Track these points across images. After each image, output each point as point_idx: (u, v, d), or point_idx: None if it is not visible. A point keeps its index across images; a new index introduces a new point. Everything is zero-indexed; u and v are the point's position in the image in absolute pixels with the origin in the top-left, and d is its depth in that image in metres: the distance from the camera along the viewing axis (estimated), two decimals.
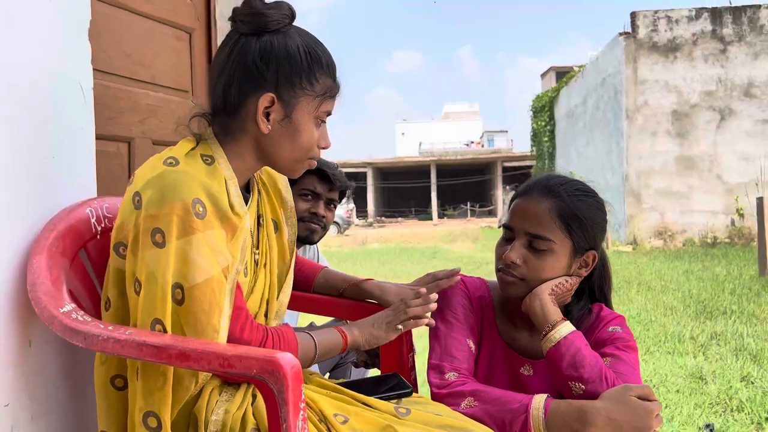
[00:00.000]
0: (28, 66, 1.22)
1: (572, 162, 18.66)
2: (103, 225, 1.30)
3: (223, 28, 2.36)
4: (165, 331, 1.06)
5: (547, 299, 1.39)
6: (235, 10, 1.22)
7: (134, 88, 1.97)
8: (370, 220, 35.73)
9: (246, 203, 1.28)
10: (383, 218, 37.89)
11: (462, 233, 20.83)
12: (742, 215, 12.94)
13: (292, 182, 2.05)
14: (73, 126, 1.34)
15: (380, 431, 1.13)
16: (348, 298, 1.63)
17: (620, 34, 13.87)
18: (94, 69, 1.79)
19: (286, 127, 1.21)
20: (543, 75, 33.09)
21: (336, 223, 24.10)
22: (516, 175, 33.21)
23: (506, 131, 51.69)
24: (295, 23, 1.25)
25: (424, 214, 39.21)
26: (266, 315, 1.35)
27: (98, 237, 1.30)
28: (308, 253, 2.34)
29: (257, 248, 1.32)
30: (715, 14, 13.51)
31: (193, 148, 1.20)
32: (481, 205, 36.88)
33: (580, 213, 1.43)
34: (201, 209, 1.09)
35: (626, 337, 1.44)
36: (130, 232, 1.10)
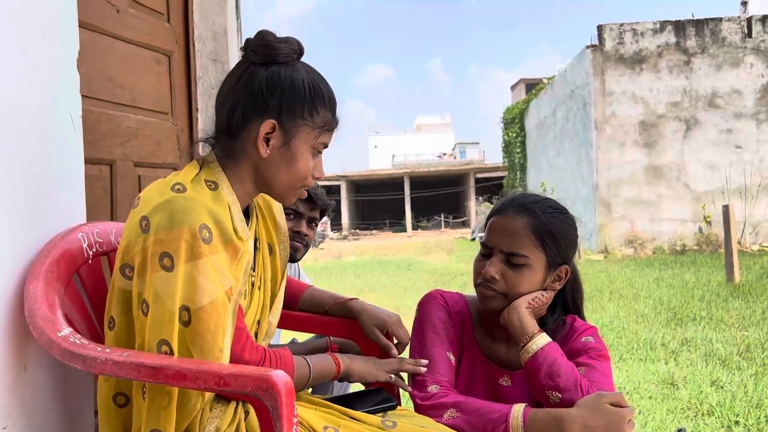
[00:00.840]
0: (20, 97, 1.25)
1: (543, 172, 18.90)
2: (94, 250, 1.33)
3: (201, 51, 2.40)
4: (171, 352, 1.09)
5: (524, 312, 1.45)
6: (247, 40, 1.28)
7: (115, 111, 2.00)
8: (344, 233, 35.70)
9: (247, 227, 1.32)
10: (358, 231, 37.88)
11: (436, 245, 20.97)
12: (709, 222, 13.26)
13: None
14: (63, 153, 1.37)
15: None
16: (332, 316, 1.68)
17: (587, 46, 14.16)
18: None
19: (284, 154, 1.27)
20: (513, 87, 33.50)
21: None
22: (488, 186, 33.51)
23: (478, 143, 52.19)
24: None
25: (398, 226, 39.32)
26: (257, 334, 1.39)
27: (90, 261, 1.33)
28: (289, 270, 2.38)
29: (254, 271, 1.37)
30: (679, 27, 13.87)
31: (197, 174, 1.25)
32: (454, 216, 37.10)
33: (553, 229, 1.51)
34: (207, 234, 1.13)
35: (599, 346, 1.51)
36: (138, 254, 1.13)
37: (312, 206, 2.17)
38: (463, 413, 1.35)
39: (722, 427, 3.22)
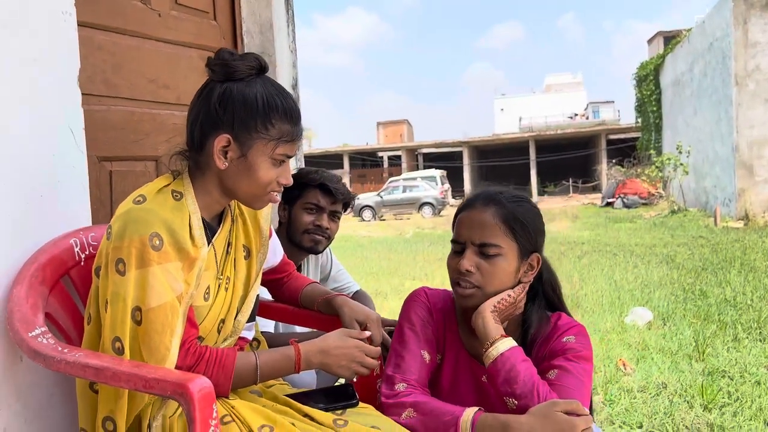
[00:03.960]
0: (21, 119, 1.41)
1: (679, 133, 17.68)
2: (87, 252, 1.48)
3: (249, 45, 2.51)
4: (122, 348, 1.21)
5: (488, 316, 1.43)
6: (208, 59, 1.38)
7: (159, 110, 2.16)
8: None
9: (214, 234, 1.43)
10: None
11: (561, 211, 20.27)
12: None
13: (297, 196, 2.19)
14: (63, 165, 1.52)
15: None
16: (321, 312, 1.74)
17: None
18: (117, 97, 1.99)
19: (241, 165, 1.35)
20: (650, 41, 31.35)
21: (431, 204, 24.12)
22: (622, 148, 31.71)
23: (612, 101, 49.44)
24: (267, 74, 1.39)
25: (523, 192, 38.27)
26: (219, 332, 1.47)
27: (82, 263, 1.48)
28: (321, 258, 2.46)
29: (221, 274, 1.45)
30: None
31: (167, 185, 1.36)
32: (584, 181, 35.54)
33: (521, 217, 1.51)
34: (158, 242, 1.24)
35: (578, 347, 1.46)
36: (102, 259, 1.28)
37: (333, 200, 2.23)
38: (419, 414, 1.37)
39: None
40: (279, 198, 1.44)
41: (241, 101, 1.32)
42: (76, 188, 1.54)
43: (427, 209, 24.22)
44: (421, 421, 1.36)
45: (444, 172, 27.61)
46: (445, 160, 38.54)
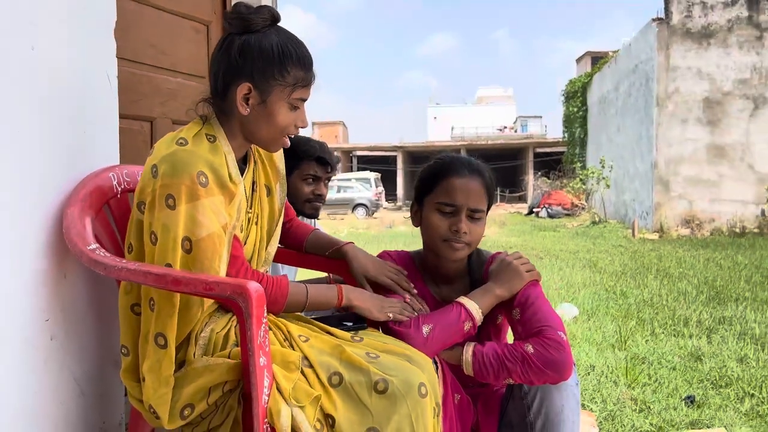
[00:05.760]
0: (64, 62, 1.52)
1: (603, 148, 18.57)
2: (122, 186, 1.61)
3: None
4: None
5: (449, 356, 1.68)
6: (225, 13, 1.50)
7: (156, 75, 2.27)
8: (399, 203, 35.94)
9: (242, 173, 1.56)
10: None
11: (489, 218, 20.69)
12: None
13: (293, 166, 2.33)
14: (101, 106, 1.65)
15: (331, 348, 1.42)
16: (332, 259, 1.89)
17: (653, 20, 13.76)
18: (121, 58, 2.09)
19: (261, 111, 1.48)
20: (578, 60, 32.73)
21: (364, 205, 24.29)
22: (548, 161, 32.95)
23: (540, 117, 51.13)
24: (280, 24, 1.51)
25: None
26: (256, 262, 1.63)
27: (118, 195, 1.61)
28: (305, 220, 2.61)
29: (251, 209, 1.60)
30: (752, 0, 13.29)
31: (200, 129, 1.48)
32: (511, 191, 36.71)
33: (492, 186, 1.81)
34: (204, 179, 1.36)
35: (528, 293, 1.72)
36: (149, 195, 1.38)
37: (328, 170, 2.39)
38: (434, 322, 1.63)
39: (736, 397, 3.27)
40: (288, 143, 1.57)
41: (258, 51, 1.43)
42: (109, 128, 1.66)
43: (360, 210, 24.35)
44: (439, 326, 1.61)
45: (378, 175, 27.83)
46: (380, 164, 38.91)
